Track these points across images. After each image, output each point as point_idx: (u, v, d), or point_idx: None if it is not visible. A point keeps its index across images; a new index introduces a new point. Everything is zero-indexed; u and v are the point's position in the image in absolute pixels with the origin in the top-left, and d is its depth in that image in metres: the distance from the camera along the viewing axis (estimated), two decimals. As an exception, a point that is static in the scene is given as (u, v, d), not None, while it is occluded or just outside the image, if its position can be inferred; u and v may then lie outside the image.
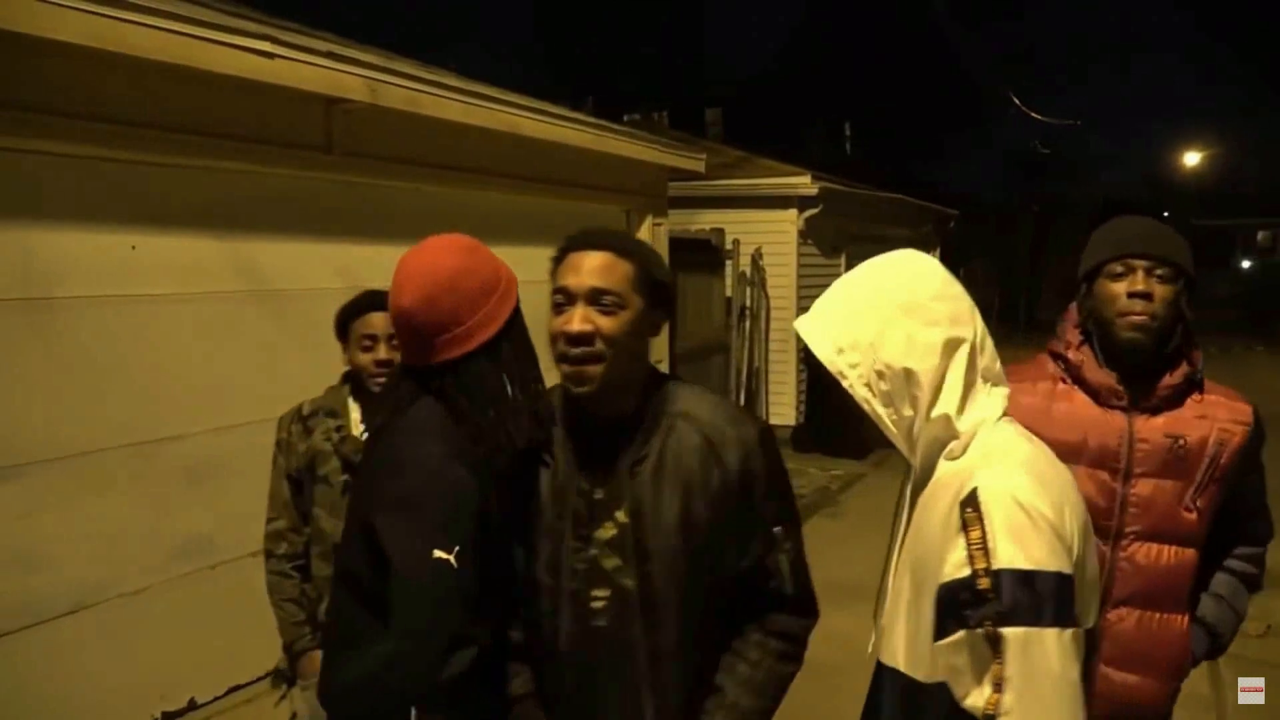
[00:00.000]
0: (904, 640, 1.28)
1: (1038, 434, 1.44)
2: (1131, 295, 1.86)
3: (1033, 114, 18.76)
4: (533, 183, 5.35)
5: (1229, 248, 38.46)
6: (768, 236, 9.29)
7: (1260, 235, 38.18)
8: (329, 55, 3.60)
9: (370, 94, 3.82)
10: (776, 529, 1.56)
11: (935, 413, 1.27)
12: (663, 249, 6.81)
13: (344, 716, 1.58)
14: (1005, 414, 1.33)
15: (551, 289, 1.55)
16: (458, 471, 1.47)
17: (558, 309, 1.52)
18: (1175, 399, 1.93)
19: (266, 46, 3.29)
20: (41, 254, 3.06)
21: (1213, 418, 1.92)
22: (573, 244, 1.57)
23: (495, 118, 4.61)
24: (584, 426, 1.61)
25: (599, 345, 1.47)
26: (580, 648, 1.55)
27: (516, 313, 1.62)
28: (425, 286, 1.52)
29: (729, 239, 8.85)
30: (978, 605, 1.11)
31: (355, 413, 2.39)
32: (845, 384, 1.29)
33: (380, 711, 1.48)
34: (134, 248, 3.33)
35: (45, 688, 3.07)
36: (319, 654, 2.28)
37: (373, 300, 2.35)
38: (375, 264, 4.31)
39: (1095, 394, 1.94)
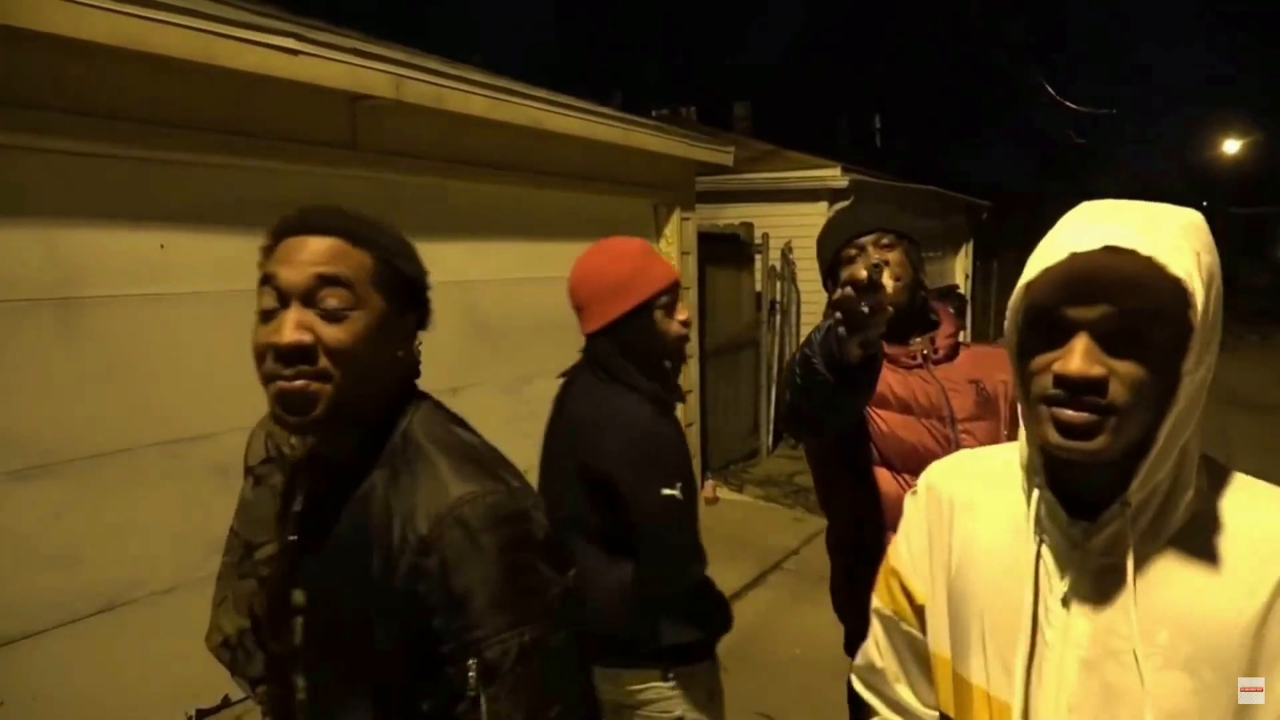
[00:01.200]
0: None
1: (895, 395, 1.91)
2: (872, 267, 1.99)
3: (1066, 102, 18.46)
4: (558, 177, 5.33)
5: (1268, 237, 37.67)
6: (798, 230, 9.19)
7: (1301, 223, 37.33)
8: (353, 52, 3.59)
9: (395, 90, 3.81)
10: (470, 661, 1.04)
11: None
12: (691, 243, 6.77)
13: (610, 623, 1.95)
14: None
15: (259, 283, 1.16)
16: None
17: (265, 315, 1.12)
18: (955, 350, 2.11)
19: (291, 44, 3.29)
20: (70, 254, 3.08)
21: (988, 365, 2.10)
22: (288, 226, 1.18)
23: (520, 112, 4.58)
24: (311, 466, 1.26)
25: (322, 363, 1.09)
26: None
27: (632, 311, 1.99)
28: (572, 275, 2.15)
29: (758, 233, 8.77)
30: None
31: None
32: (1197, 314, 0.87)
33: (639, 618, 1.94)
34: (162, 246, 3.35)
35: (79, 685, 3.10)
36: None
37: None
38: (402, 261, 4.31)
39: (894, 361, 2.06)
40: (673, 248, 6.52)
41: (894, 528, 2.02)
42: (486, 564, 1.06)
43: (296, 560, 1.21)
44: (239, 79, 3.25)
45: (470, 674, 1.04)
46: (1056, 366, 0.89)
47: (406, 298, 1.20)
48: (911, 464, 2.01)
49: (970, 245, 15.07)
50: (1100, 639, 0.95)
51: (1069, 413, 0.89)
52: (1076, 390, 0.88)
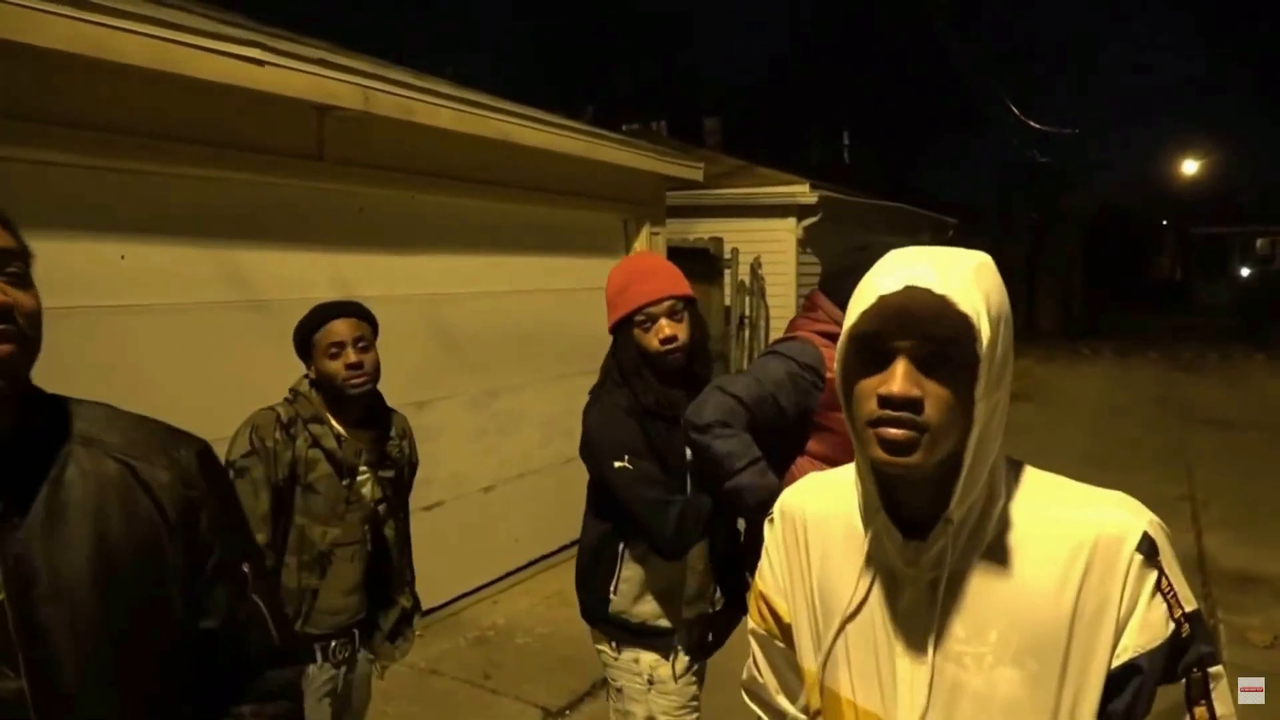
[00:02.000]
0: None
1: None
2: None
3: (1030, 122, 18.73)
4: (528, 191, 5.32)
5: (1227, 256, 38.52)
6: (767, 245, 9.26)
7: (1259, 243, 38.24)
8: (320, 62, 3.56)
9: (362, 101, 3.78)
10: (245, 567, 1.22)
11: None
12: (660, 258, 6.78)
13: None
14: None
15: None
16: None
17: None
18: None
19: (256, 54, 3.26)
20: (27, 264, 3.02)
21: None
22: None
23: (488, 125, 4.57)
24: None
25: (21, 324, 1.07)
26: None
27: (622, 321, 2.22)
28: None
29: (727, 248, 8.81)
30: (1179, 657, 1.00)
31: (331, 419, 2.32)
32: (983, 348, 0.97)
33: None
34: (123, 257, 3.29)
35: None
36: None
37: (330, 311, 2.32)
38: (367, 272, 4.27)
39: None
40: (642, 262, 6.53)
41: None
42: (231, 493, 1.31)
43: None
44: (202, 88, 3.21)
45: (247, 581, 1.22)
46: (881, 389, 0.99)
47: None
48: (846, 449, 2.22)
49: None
50: (940, 645, 1.06)
51: (891, 430, 0.98)
52: (898, 408, 0.98)
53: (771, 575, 1.28)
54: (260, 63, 3.29)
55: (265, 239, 3.83)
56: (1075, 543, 1.01)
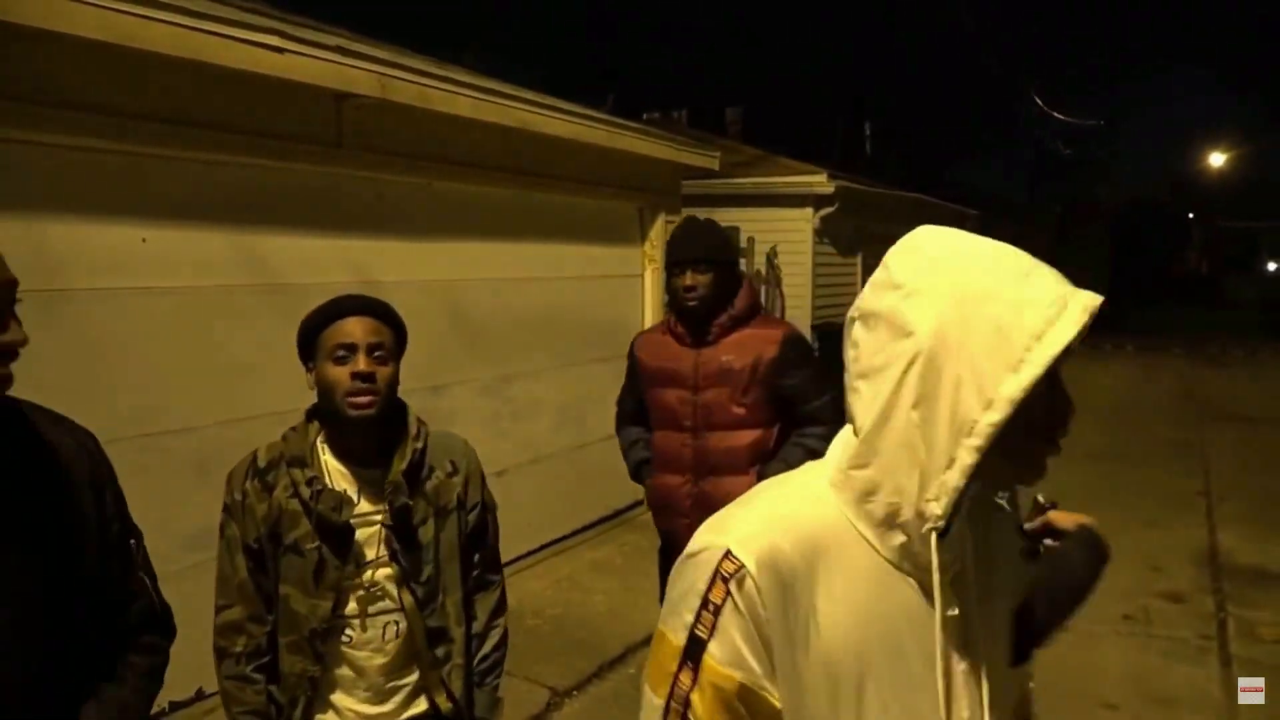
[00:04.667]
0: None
1: (655, 364, 3.02)
2: (688, 289, 2.86)
3: (1054, 113, 18.56)
4: (544, 179, 5.36)
5: (1254, 250, 38.00)
6: (783, 235, 9.26)
7: (1289, 237, 37.66)
8: (339, 50, 3.62)
9: (380, 89, 3.83)
10: (132, 542, 1.46)
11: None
12: (676, 246, 6.80)
13: None
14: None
15: None
16: None
17: None
18: (722, 335, 2.89)
19: (276, 41, 3.31)
20: (53, 246, 3.09)
21: (750, 344, 2.87)
22: None
23: (506, 114, 4.62)
24: None
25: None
26: None
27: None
28: None
29: (744, 237, 8.82)
30: None
31: (326, 456, 1.83)
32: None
33: None
34: (144, 240, 3.36)
35: (54, 675, 3.10)
36: None
37: (345, 305, 1.83)
38: (385, 259, 4.33)
39: (678, 339, 2.97)
40: (656, 250, 6.55)
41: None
42: (113, 479, 1.50)
43: None
44: (225, 75, 3.27)
45: (130, 549, 1.46)
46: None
47: None
48: (668, 420, 2.97)
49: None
50: (960, 635, 0.97)
51: None
52: None
53: (755, 657, 0.91)
54: (279, 50, 3.35)
55: (284, 224, 3.90)
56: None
